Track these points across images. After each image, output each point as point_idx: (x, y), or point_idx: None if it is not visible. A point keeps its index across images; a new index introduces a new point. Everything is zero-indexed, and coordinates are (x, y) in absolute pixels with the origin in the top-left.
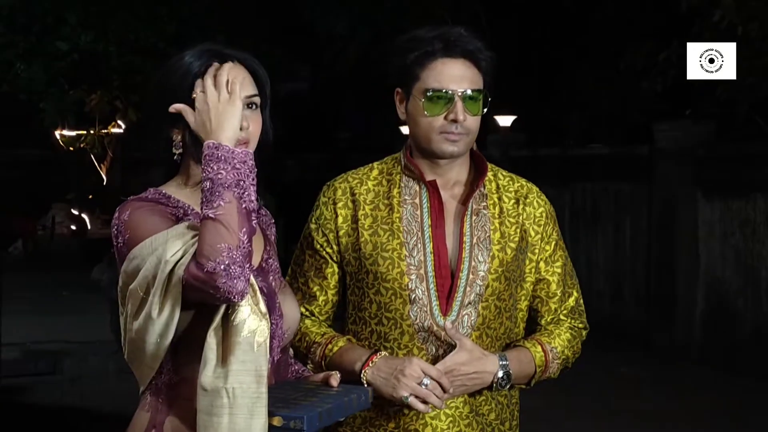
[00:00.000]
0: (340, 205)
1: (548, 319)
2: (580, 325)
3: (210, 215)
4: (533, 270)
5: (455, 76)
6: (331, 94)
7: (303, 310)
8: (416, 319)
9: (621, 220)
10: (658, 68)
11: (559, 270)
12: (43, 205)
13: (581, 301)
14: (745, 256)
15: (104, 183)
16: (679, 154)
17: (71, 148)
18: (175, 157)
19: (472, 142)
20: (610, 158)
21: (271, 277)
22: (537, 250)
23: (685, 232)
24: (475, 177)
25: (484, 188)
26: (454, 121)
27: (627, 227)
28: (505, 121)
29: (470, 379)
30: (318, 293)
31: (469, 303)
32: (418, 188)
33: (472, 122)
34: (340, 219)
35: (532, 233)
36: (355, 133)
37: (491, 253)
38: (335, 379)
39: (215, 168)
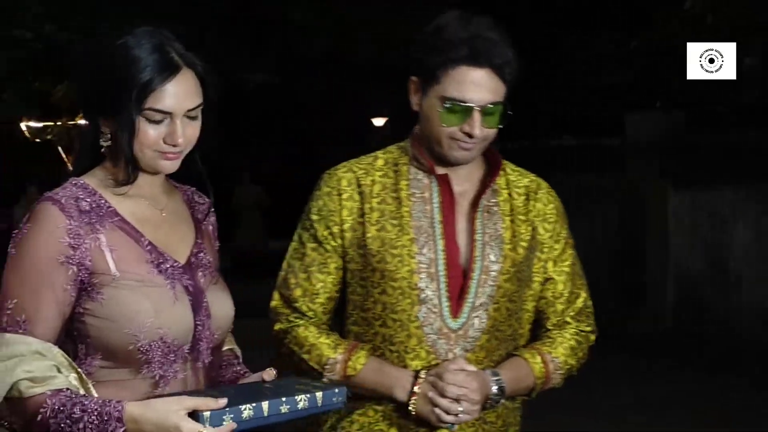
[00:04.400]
0: (345, 196)
1: (554, 322)
2: (588, 329)
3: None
4: (541, 269)
5: (476, 86)
6: (301, 86)
7: (305, 308)
8: (425, 321)
9: (592, 211)
10: (627, 59)
11: (567, 269)
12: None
13: (590, 302)
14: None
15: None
16: (649, 145)
17: (37, 140)
18: (102, 149)
19: (485, 147)
20: (581, 150)
21: (199, 274)
22: (546, 249)
23: (655, 223)
24: (488, 172)
25: (495, 184)
26: (469, 134)
27: (599, 219)
28: None
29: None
30: (321, 290)
31: (480, 305)
32: (427, 181)
33: (489, 133)
34: (345, 212)
35: (542, 231)
36: (324, 125)
37: (503, 253)
38: (268, 374)
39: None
